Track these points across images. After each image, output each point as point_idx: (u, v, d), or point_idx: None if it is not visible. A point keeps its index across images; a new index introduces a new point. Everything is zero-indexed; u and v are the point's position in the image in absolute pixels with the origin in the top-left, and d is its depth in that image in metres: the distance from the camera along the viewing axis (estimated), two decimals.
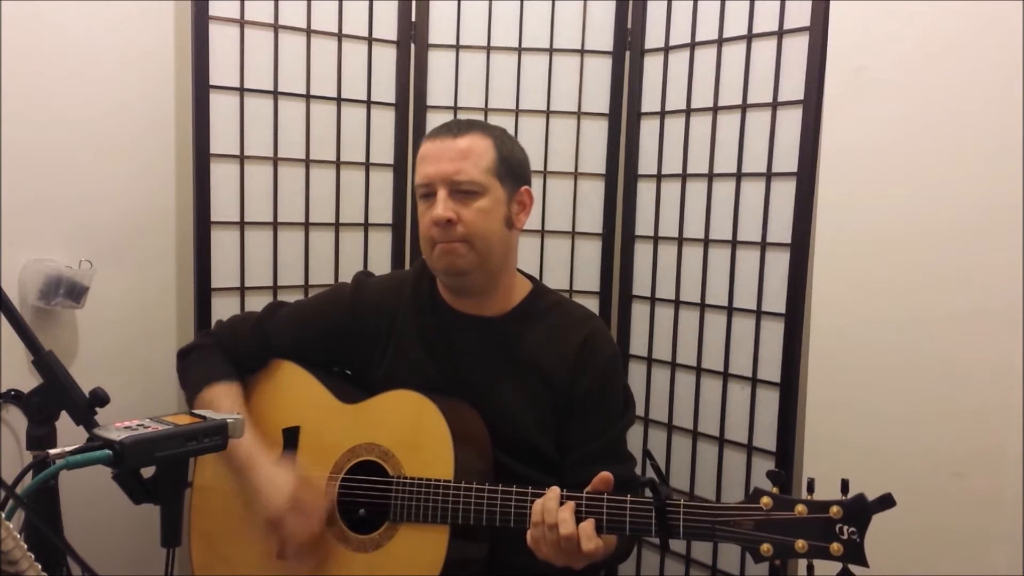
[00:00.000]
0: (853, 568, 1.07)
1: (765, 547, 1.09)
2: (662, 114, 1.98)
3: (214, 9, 1.80)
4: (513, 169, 1.39)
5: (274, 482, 1.35)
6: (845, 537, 1.06)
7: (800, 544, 1.07)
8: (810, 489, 1.10)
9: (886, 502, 1.04)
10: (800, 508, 1.09)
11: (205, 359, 1.50)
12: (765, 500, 1.10)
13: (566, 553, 1.17)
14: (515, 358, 1.42)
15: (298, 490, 1.35)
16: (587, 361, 1.40)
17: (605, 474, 1.20)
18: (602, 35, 2.02)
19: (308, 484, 1.37)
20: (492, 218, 1.36)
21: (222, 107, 1.83)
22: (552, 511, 1.18)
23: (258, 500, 1.35)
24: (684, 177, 1.94)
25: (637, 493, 1.22)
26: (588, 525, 1.17)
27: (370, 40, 1.99)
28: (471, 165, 1.34)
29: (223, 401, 1.43)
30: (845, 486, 1.07)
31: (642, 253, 2.04)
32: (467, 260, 1.35)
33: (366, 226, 2.05)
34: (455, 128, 1.37)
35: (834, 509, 1.07)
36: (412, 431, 1.36)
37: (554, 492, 1.20)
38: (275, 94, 1.90)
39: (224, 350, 1.52)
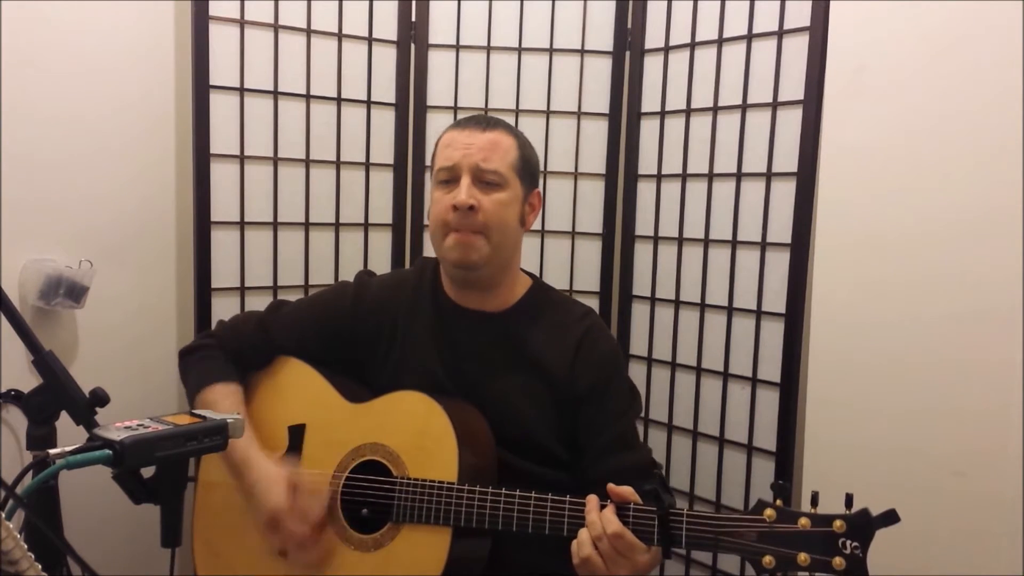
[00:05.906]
0: None
1: (767, 559, 1.08)
2: (662, 114, 1.98)
3: (214, 9, 1.80)
4: (531, 170, 1.43)
5: (270, 480, 1.35)
6: (848, 552, 1.05)
7: (802, 557, 1.06)
8: (814, 502, 1.09)
9: (890, 518, 1.03)
10: (803, 521, 1.08)
11: (206, 359, 1.50)
12: (768, 512, 1.10)
13: (624, 556, 1.15)
14: (517, 353, 1.42)
15: (293, 488, 1.35)
16: (586, 358, 1.41)
17: (627, 489, 1.18)
18: (602, 35, 2.02)
19: (303, 482, 1.37)
20: (510, 212, 1.38)
21: (222, 107, 1.83)
22: (611, 519, 1.16)
23: (255, 499, 1.35)
24: (684, 177, 1.94)
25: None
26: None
27: (370, 40, 1.99)
28: (498, 157, 1.37)
29: (223, 401, 1.43)
30: (849, 500, 1.06)
31: (642, 253, 2.04)
32: (480, 254, 1.36)
33: (366, 226, 2.05)
34: (483, 122, 1.41)
35: (837, 523, 1.06)
36: (417, 432, 1.36)
37: (594, 501, 1.19)
38: (275, 94, 1.90)
39: (226, 351, 1.52)
